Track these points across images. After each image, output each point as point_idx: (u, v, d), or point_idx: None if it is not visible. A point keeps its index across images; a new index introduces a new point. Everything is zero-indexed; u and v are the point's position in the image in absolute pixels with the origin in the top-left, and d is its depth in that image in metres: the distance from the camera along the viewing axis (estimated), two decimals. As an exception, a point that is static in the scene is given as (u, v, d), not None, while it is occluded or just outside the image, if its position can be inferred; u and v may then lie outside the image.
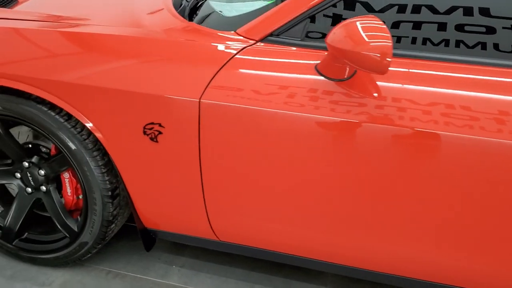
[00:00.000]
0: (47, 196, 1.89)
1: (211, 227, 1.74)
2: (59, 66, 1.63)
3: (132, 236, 2.15)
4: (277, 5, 1.57)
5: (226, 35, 1.58)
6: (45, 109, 1.69)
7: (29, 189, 1.90)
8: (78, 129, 1.69)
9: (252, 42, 1.53)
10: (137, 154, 1.65)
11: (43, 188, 1.88)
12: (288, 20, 1.49)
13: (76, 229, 1.86)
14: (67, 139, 1.69)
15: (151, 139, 1.60)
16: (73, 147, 1.70)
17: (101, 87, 1.58)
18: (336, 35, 1.29)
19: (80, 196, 1.88)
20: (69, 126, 1.69)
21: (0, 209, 2.02)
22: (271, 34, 1.51)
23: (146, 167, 1.67)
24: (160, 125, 1.58)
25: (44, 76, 1.62)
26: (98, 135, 1.65)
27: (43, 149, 1.89)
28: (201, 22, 1.74)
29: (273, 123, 1.45)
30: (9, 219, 1.94)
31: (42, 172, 1.85)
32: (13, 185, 1.95)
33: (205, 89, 1.50)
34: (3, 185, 2.04)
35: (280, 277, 1.99)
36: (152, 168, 1.66)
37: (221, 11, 1.76)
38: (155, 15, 1.82)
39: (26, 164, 1.86)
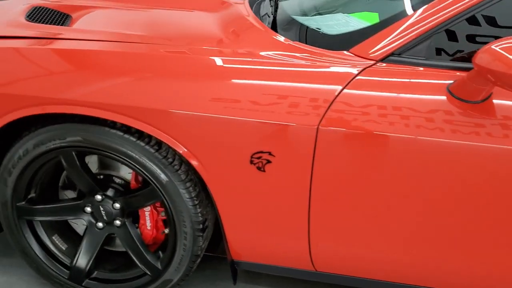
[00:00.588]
0: (122, 230, 1.74)
1: (311, 257, 1.64)
2: (150, 91, 1.49)
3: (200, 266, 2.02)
4: (389, 23, 1.49)
5: (340, 55, 1.49)
6: (133, 139, 1.54)
7: (101, 224, 1.75)
8: (170, 159, 1.56)
9: (372, 62, 1.44)
10: (239, 183, 1.53)
11: (117, 222, 1.73)
12: (411, 39, 1.41)
13: (159, 266, 1.72)
14: (159, 171, 1.55)
15: (258, 168, 1.49)
16: (165, 179, 1.56)
17: (205, 115, 1.45)
18: (486, 56, 1.23)
19: (166, 231, 1.73)
20: (160, 157, 1.55)
21: (64, 246, 1.84)
22: (392, 54, 1.43)
23: (247, 197, 1.55)
24: (270, 153, 1.47)
25: (135, 103, 1.48)
26: (194, 162, 1.52)
27: (117, 180, 1.74)
28: (296, 39, 1.64)
29: (406, 149, 1.37)
30: (78, 258, 1.77)
31: (117, 205, 1.70)
32: (80, 220, 1.79)
33: (324, 114, 1.40)
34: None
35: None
36: (254, 198, 1.55)
37: (319, 28, 1.66)
38: (244, 31, 1.71)
39: (98, 197, 1.70)
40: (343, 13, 1.75)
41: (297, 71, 1.48)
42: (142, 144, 1.55)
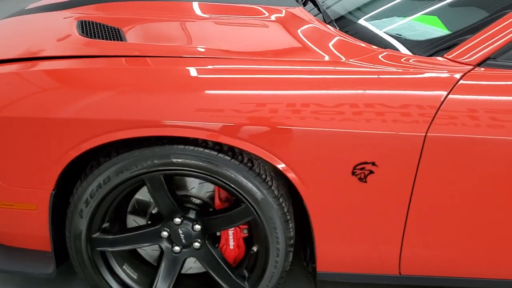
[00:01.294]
0: (202, 252, 1.66)
1: (400, 262, 1.65)
2: (246, 108, 1.44)
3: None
4: (481, 28, 1.52)
5: (433, 61, 1.50)
6: (228, 158, 1.48)
7: (178, 248, 1.66)
8: (263, 176, 1.51)
9: (470, 67, 1.46)
10: (337, 195, 1.51)
11: (196, 244, 1.65)
12: (505, 43, 1.45)
13: (246, 286, 1.66)
14: (254, 188, 1.50)
15: (360, 179, 1.48)
16: (260, 196, 1.51)
17: (307, 129, 1.42)
18: None
19: (254, 249, 1.67)
20: (254, 174, 1.50)
21: (135, 275, 1.73)
22: (488, 58, 1.46)
23: (344, 207, 1.54)
24: (373, 164, 1.46)
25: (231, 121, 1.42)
26: (292, 176, 1.48)
27: (196, 201, 1.66)
28: (381, 46, 1.64)
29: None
30: (156, 286, 1.67)
31: (197, 227, 1.62)
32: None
33: (432, 120, 1.41)
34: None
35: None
36: (351, 208, 1.54)
37: (400, 35, 1.67)
38: (328, 40, 1.68)
39: (177, 220, 1.62)
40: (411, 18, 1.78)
41: (397, 78, 1.48)
42: (237, 162, 1.49)
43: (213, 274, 1.67)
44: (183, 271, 1.78)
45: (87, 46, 1.60)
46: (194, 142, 1.48)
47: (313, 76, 1.50)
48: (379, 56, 1.56)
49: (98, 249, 1.62)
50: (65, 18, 1.86)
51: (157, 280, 1.67)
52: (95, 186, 1.50)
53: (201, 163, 1.48)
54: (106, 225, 1.62)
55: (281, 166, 1.47)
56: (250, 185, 1.50)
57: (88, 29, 1.72)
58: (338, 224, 1.57)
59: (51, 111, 1.42)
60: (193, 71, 1.50)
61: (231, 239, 1.68)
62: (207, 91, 1.45)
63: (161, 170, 1.49)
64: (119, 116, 1.41)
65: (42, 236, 1.63)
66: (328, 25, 1.92)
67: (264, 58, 1.60)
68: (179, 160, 1.48)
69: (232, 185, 1.50)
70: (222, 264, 1.66)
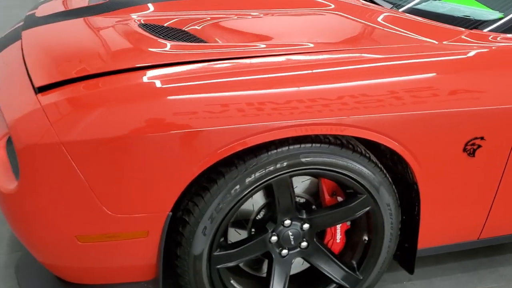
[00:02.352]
0: (311, 250, 1.62)
1: (483, 227, 1.77)
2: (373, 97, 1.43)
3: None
4: None
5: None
6: (350, 151, 1.46)
7: (285, 251, 1.60)
8: (379, 165, 1.52)
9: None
10: (448, 171, 1.57)
11: (304, 244, 1.61)
12: None
13: (359, 276, 1.66)
14: (373, 177, 1.51)
15: (469, 154, 1.56)
16: (378, 184, 1.52)
17: (425, 113, 1.46)
18: None
19: (366, 238, 1.66)
20: (373, 164, 1.50)
21: (238, 288, 1.64)
22: None
23: (452, 182, 1.60)
24: (482, 138, 1.54)
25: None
26: (409, 159, 1.50)
27: (299, 200, 1.62)
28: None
29: None
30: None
31: (306, 225, 1.58)
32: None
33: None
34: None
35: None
36: (457, 182, 1.61)
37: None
38: (398, 24, 1.71)
39: (287, 222, 1.56)
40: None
41: (495, 53, 1.56)
42: (357, 154, 1.48)
43: (324, 270, 1.64)
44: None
45: (186, 49, 1.46)
46: (317, 139, 1.44)
47: (425, 60, 1.52)
48: (463, 36, 1.64)
49: (218, 267, 1.50)
50: (118, 23, 1.67)
51: (271, 288, 1.60)
52: (221, 198, 1.39)
53: (327, 159, 1.45)
54: (222, 240, 1.51)
55: (400, 150, 1.49)
56: (371, 174, 1.50)
57: (164, 33, 1.57)
58: (445, 199, 1.63)
59: (176, 126, 1.28)
60: (326, 65, 1.45)
61: (338, 233, 1.67)
62: (334, 85, 1.41)
63: (290, 172, 1.43)
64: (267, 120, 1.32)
65: (145, 265, 1.47)
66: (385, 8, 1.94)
67: (367, 47, 1.59)
68: (308, 159, 1.43)
69: (355, 177, 1.49)
70: (333, 258, 1.64)
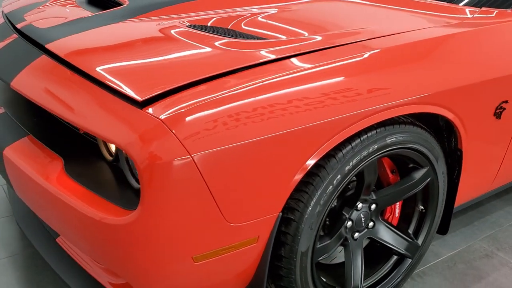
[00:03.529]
0: (377, 229, 1.70)
1: (493, 181, 2.01)
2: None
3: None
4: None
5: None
6: (418, 128, 1.57)
7: (357, 234, 1.66)
8: (434, 138, 1.65)
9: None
10: (483, 132, 1.75)
11: (371, 224, 1.69)
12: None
13: (419, 243, 1.78)
14: (437, 149, 1.64)
15: (497, 117, 1.76)
16: (439, 155, 1.65)
17: (475, 83, 1.62)
18: None
19: (421, 207, 1.77)
20: (433, 137, 1.63)
21: (323, 279, 1.64)
22: None
23: (485, 142, 1.80)
24: (506, 102, 1.75)
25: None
26: (458, 124, 1.65)
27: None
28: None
29: None
30: (353, 281, 1.64)
31: (373, 206, 1.66)
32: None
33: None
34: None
35: None
36: (488, 142, 1.81)
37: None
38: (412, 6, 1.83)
39: (360, 205, 1.62)
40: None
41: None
42: (423, 130, 1.59)
43: (389, 244, 1.72)
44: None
45: (268, 46, 1.41)
46: (394, 120, 1.51)
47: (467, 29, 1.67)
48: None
49: (319, 260, 1.50)
50: (167, 26, 1.54)
51: (352, 277, 1.64)
52: (324, 190, 1.40)
53: (406, 138, 1.53)
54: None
55: (453, 118, 1.63)
56: (433, 147, 1.63)
57: (225, 33, 1.50)
58: (480, 160, 1.82)
59: (288, 124, 1.26)
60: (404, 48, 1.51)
61: (397, 207, 1.76)
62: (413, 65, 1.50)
63: (378, 155, 1.49)
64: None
65: (245, 273, 1.43)
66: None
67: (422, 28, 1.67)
68: (392, 140, 1.50)
69: (423, 151, 1.60)
70: (397, 231, 1.73)
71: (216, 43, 1.43)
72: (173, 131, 1.13)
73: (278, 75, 1.29)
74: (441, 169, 1.69)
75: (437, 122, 1.71)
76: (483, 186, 2.00)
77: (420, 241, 1.79)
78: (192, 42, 1.43)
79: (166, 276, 1.28)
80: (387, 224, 1.72)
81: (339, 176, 1.41)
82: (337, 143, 1.36)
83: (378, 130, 1.46)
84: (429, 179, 1.69)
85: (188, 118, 1.15)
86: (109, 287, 1.50)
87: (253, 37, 1.50)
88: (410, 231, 1.80)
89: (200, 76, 1.25)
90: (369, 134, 1.45)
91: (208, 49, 1.39)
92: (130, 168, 1.30)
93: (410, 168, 1.67)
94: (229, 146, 1.19)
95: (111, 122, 1.18)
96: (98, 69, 1.31)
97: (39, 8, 1.86)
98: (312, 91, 1.31)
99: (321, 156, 1.34)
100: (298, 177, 1.34)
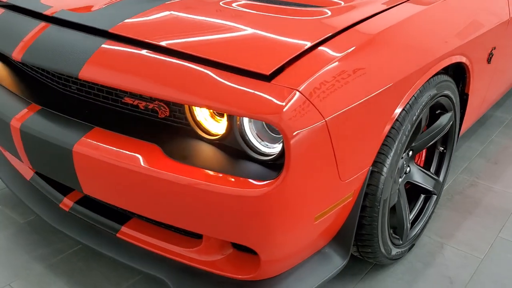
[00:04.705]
0: (411, 173, 1.89)
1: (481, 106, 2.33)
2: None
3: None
4: None
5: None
6: (450, 77, 1.78)
7: (400, 179, 1.84)
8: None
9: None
10: (482, 74, 2.03)
11: (408, 169, 1.88)
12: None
13: (441, 180, 2.01)
14: (456, 95, 1.86)
15: (488, 62, 2.04)
16: (456, 99, 1.88)
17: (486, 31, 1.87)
18: None
19: (442, 148, 1.99)
20: (453, 83, 1.85)
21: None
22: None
23: (481, 82, 2.08)
24: (495, 48, 2.04)
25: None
26: (472, 72, 1.90)
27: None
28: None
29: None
30: (406, 224, 1.82)
31: (410, 153, 1.85)
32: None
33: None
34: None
35: None
36: (484, 86, 2.09)
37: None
38: None
39: (404, 154, 1.80)
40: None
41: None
42: (451, 77, 1.79)
43: (422, 184, 1.93)
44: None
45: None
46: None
47: None
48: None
49: (391, 206, 1.65)
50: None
51: (406, 219, 1.81)
52: (400, 139, 1.54)
53: (444, 86, 1.72)
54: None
55: (470, 65, 1.86)
56: (455, 92, 1.85)
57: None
58: (477, 98, 2.10)
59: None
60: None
61: (423, 152, 1.97)
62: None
63: (431, 103, 1.66)
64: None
65: (333, 228, 1.53)
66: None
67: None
68: (438, 87, 1.68)
69: (452, 97, 1.81)
70: (426, 172, 1.94)
71: (292, 14, 1.48)
72: (310, 99, 1.19)
73: (373, 33, 1.39)
74: (458, 112, 1.93)
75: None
76: (474, 119, 2.31)
77: (441, 178, 2.03)
78: (267, 14, 1.47)
79: (291, 239, 1.34)
80: (419, 167, 1.92)
81: (409, 126, 1.56)
82: (416, 90, 1.51)
83: (433, 79, 1.64)
84: (452, 122, 1.91)
85: (317, 85, 1.21)
86: (193, 264, 1.51)
87: (309, 6, 1.58)
88: (432, 170, 2.03)
89: (305, 44, 1.30)
90: (430, 82, 1.61)
91: (289, 19, 1.44)
92: (245, 141, 1.31)
93: (437, 114, 1.88)
94: (350, 107, 1.28)
95: (245, 99, 1.18)
96: (202, 49, 1.29)
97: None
98: (404, 43, 1.47)
99: (404, 104, 1.48)
100: (387, 127, 1.46)
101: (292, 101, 1.17)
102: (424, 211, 1.98)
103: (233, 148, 1.35)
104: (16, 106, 1.60)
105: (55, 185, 1.84)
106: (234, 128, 1.31)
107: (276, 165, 1.28)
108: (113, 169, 1.36)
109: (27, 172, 1.95)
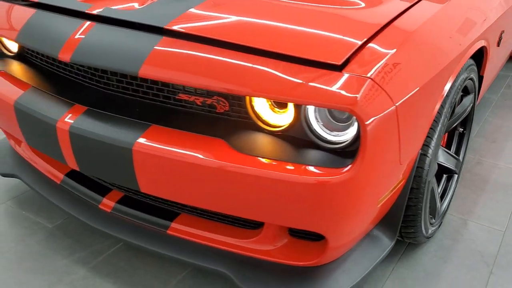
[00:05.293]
0: (438, 154, 1.97)
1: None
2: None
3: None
4: None
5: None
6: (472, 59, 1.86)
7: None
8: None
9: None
10: (494, 60, 2.13)
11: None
12: None
13: (460, 158, 2.11)
14: (476, 77, 1.95)
15: (498, 45, 2.15)
16: (476, 84, 1.97)
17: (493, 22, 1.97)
18: None
19: (461, 129, 2.08)
20: (475, 66, 1.94)
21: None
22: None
23: (492, 67, 2.18)
24: (503, 32, 2.14)
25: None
26: (488, 54, 2.00)
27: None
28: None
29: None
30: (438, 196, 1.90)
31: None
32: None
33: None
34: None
35: None
36: (493, 63, 2.20)
37: None
38: None
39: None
40: None
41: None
42: (473, 61, 1.88)
43: (446, 164, 2.01)
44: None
45: None
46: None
47: None
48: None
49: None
50: None
51: (438, 197, 1.89)
52: (443, 124, 1.61)
53: (470, 69, 1.80)
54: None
55: (488, 47, 1.96)
56: (477, 76, 1.94)
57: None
58: (489, 77, 2.21)
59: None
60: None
61: (445, 135, 2.06)
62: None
63: (462, 85, 1.74)
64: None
65: (383, 212, 1.59)
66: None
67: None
68: (468, 70, 1.76)
69: (474, 79, 1.90)
70: (449, 152, 2.03)
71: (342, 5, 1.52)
72: (382, 85, 1.23)
73: (420, 23, 1.45)
74: (477, 93, 2.02)
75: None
76: (479, 99, 2.42)
77: (461, 158, 2.13)
78: (320, 5, 1.50)
79: (358, 223, 1.39)
80: (443, 149, 2.01)
81: (449, 108, 1.64)
82: (456, 74, 1.58)
83: (466, 63, 1.72)
84: (472, 103, 2.01)
85: (385, 72, 1.26)
86: (253, 255, 1.54)
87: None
88: (453, 151, 2.12)
89: (363, 35, 1.34)
90: (464, 66, 1.69)
91: (335, 10, 1.47)
92: (312, 131, 1.34)
93: (460, 96, 1.97)
94: (414, 92, 1.33)
95: (320, 89, 1.21)
96: (267, 42, 1.31)
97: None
98: (448, 29, 1.56)
99: (448, 87, 1.55)
100: (436, 110, 1.53)
101: (366, 88, 1.21)
102: (447, 189, 2.08)
103: (296, 138, 1.38)
104: (58, 108, 1.56)
105: (90, 186, 1.82)
106: (301, 118, 1.34)
107: (344, 152, 1.32)
108: (178, 165, 1.36)
109: (57, 175, 1.91)
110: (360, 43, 1.30)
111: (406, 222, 1.70)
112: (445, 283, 1.77)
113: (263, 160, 1.30)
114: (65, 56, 1.47)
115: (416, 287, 1.75)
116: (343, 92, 1.20)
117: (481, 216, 2.13)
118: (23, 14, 1.65)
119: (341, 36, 1.34)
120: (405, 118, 1.33)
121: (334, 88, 1.21)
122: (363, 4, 1.55)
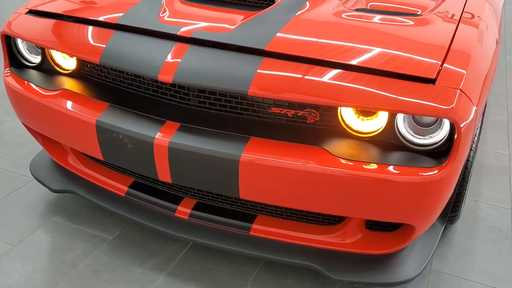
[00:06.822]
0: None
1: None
2: None
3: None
4: None
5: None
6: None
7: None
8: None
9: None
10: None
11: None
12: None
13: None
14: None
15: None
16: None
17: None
18: None
19: None
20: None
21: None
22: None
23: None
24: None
25: None
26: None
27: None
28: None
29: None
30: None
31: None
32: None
33: None
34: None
35: None
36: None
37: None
38: None
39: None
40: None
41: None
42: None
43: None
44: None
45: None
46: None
47: None
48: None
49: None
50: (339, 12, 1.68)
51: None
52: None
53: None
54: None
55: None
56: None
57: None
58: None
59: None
60: None
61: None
62: None
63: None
64: None
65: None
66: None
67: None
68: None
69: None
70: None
71: (407, 21, 1.72)
72: (468, 94, 1.45)
73: (476, 32, 1.70)
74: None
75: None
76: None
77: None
78: (390, 23, 1.69)
79: (439, 212, 1.61)
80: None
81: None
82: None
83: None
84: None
85: (467, 81, 1.48)
86: (337, 248, 1.72)
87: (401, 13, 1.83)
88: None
89: (442, 48, 1.56)
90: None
91: (410, 25, 1.68)
92: (401, 134, 1.54)
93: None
94: (481, 93, 1.57)
95: (420, 101, 1.41)
96: (364, 60, 1.49)
97: (165, 11, 1.75)
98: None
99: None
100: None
101: (458, 98, 1.42)
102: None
103: (384, 142, 1.57)
104: (149, 125, 1.64)
105: (160, 196, 1.91)
106: (393, 125, 1.54)
107: (434, 152, 1.53)
108: (283, 172, 1.51)
109: (120, 188, 1.97)
110: (443, 57, 1.51)
111: (453, 207, 1.96)
112: (480, 256, 2.05)
113: (368, 166, 1.48)
114: (166, 78, 1.55)
115: (458, 262, 2.01)
116: (440, 103, 1.41)
117: (488, 197, 2.45)
118: (103, 35, 1.71)
119: (423, 51, 1.54)
120: (477, 117, 1.56)
121: (432, 99, 1.41)
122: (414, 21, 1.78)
